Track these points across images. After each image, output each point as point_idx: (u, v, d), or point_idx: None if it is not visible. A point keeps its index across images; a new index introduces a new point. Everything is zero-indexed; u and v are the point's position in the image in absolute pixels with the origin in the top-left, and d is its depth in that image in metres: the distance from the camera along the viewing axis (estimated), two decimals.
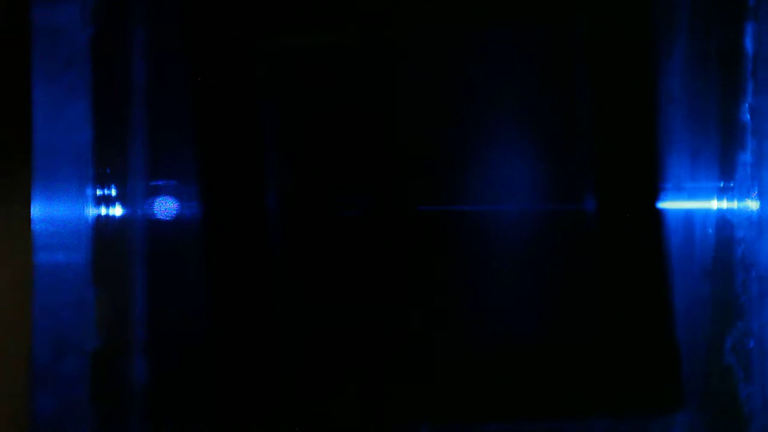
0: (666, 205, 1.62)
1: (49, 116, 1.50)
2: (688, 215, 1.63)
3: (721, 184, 1.62)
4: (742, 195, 1.59)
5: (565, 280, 1.63)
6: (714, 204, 1.62)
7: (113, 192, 1.54)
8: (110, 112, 1.54)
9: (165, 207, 1.58)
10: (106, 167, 1.53)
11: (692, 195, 1.63)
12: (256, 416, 1.58)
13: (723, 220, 1.61)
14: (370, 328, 1.61)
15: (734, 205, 1.60)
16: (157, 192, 1.57)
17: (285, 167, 1.60)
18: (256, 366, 1.59)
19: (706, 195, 1.62)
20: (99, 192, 1.52)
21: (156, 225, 1.57)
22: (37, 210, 1.49)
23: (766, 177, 1.57)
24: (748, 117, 1.58)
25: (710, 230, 1.62)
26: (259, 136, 1.60)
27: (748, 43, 1.59)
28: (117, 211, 1.55)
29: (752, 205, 1.58)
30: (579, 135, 1.63)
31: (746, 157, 1.58)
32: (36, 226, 1.49)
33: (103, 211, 1.53)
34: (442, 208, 1.61)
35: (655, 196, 1.62)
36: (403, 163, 1.61)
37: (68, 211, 1.50)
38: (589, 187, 1.63)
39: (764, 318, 1.57)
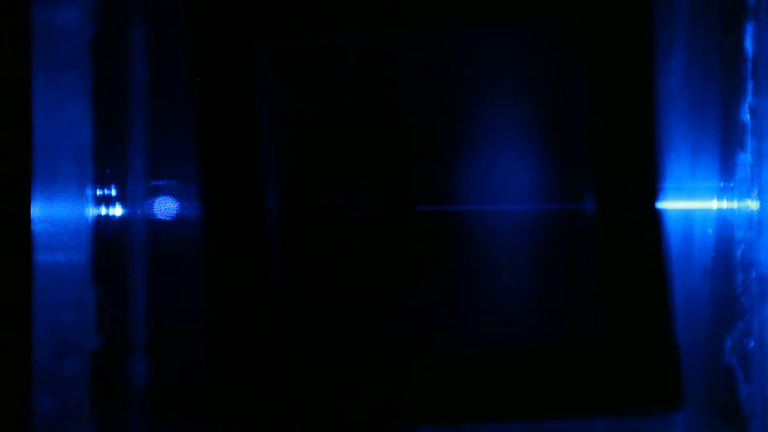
0: (666, 205, 1.62)
1: (49, 116, 1.50)
2: (688, 215, 1.63)
3: (721, 184, 1.62)
4: (742, 195, 1.59)
5: (564, 280, 1.63)
6: (714, 204, 1.62)
7: (113, 192, 1.54)
8: (110, 112, 1.54)
9: (165, 207, 1.58)
10: (106, 167, 1.53)
11: (692, 195, 1.63)
12: (256, 416, 1.59)
13: (723, 220, 1.61)
14: (370, 327, 1.61)
15: (734, 205, 1.60)
16: (157, 192, 1.57)
17: (285, 167, 1.61)
18: (256, 366, 1.59)
19: (706, 195, 1.62)
20: (99, 192, 1.52)
21: (156, 225, 1.57)
22: (37, 210, 1.49)
23: (766, 177, 1.57)
24: (748, 117, 1.58)
25: (710, 230, 1.62)
26: (259, 136, 1.60)
27: (748, 43, 1.59)
28: (117, 211, 1.55)
29: (752, 205, 1.58)
30: (579, 135, 1.63)
31: (746, 157, 1.58)
32: (36, 226, 1.49)
33: (103, 211, 1.53)
34: (442, 208, 1.61)
35: (655, 196, 1.62)
36: (402, 163, 1.62)
37: (68, 211, 1.50)
38: (589, 187, 1.63)
39: (764, 318, 1.57)
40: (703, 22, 1.62)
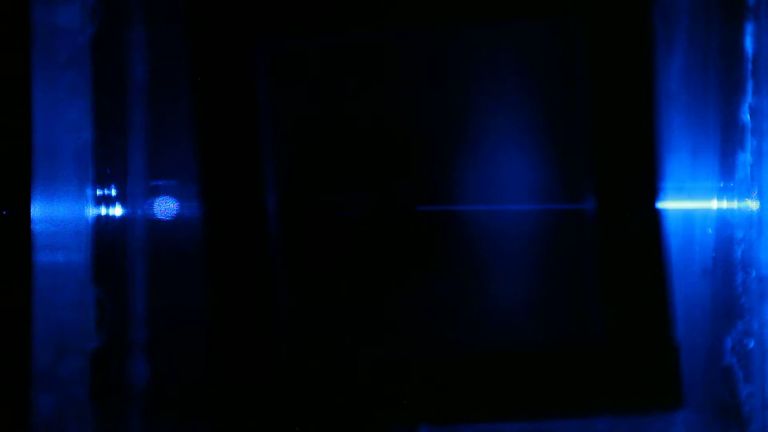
0: (666, 205, 1.62)
1: (49, 116, 1.50)
2: (688, 215, 1.63)
3: (721, 184, 1.62)
4: (742, 195, 1.59)
5: (564, 280, 1.63)
6: (714, 204, 1.62)
7: (113, 192, 1.54)
8: (110, 112, 1.54)
9: (165, 207, 1.58)
10: (106, 167, 1.53)
11: (692, 195, 1.63)
12: (256, 416, 1.58)
13: (723, 220, 1.61)
14: (370, 327, 1.61)
15: (734, 205, 1.60)
16: (157, 192, 1.57)
17: (285, 167, 1.61)
18: (256, 366, 1.59)
19: (706, 195, 1.62)
20: (99, 192, 1.52)
21: (156, 225, 1.57)
22: (37, 210, 1.49)
23: (766, 177, 1.57)
24: (748, 117, 1.58)
25: (710, 230, 1.62)
26: (259, 136, 1.60)
27: (748, 43, 1.59)
28: (117, 211, 1.55)
29: (752, 205, 1.58)
30: (579, 135, 1.63)
31: (746, 157, 1.58)
32: (36, 226, 1.49)
33: (103, 211, 1.53)
34: (442, 208, 1.61)
35: (654, 196, 1.62)
36: (402, 163, 1.62)
37: (68, 211, 1.50)
38: (589, 187, 1.63)
39: (764, 318, 1.57)
40: (703, 22, 1.62)
